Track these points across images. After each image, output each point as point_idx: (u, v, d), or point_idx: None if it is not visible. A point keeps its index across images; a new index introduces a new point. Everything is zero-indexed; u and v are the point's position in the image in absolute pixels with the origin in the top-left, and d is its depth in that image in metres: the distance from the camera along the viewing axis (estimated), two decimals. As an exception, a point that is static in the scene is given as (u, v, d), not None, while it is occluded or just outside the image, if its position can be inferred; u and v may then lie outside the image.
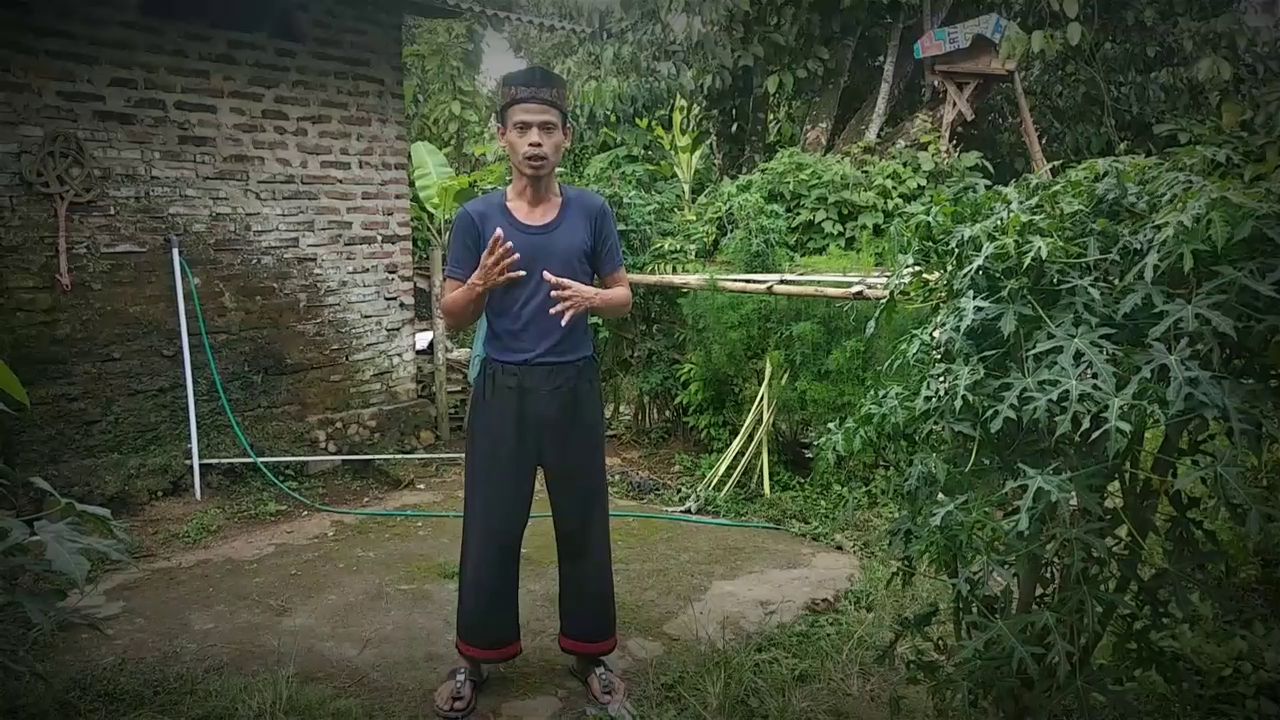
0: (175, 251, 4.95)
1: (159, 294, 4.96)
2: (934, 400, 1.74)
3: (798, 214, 6.74)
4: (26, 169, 4.45)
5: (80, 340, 4.70)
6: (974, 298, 1.68)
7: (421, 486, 5.40)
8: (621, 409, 6.85)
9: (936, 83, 8.07)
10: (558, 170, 2.90)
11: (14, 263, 4.47)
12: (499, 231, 2.57)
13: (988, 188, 1.99)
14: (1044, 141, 8.28)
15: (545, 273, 2.61)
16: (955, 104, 7.79)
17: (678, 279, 5.80)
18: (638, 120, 9.09)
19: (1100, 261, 1.63)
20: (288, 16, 5.45)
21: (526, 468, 2.86)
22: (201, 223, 5.13)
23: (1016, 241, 1.65)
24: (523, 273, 2.61)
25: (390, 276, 6.11)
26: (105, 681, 2.92)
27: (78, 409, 4.71)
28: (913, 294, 2.05)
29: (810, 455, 4.77)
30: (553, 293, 2.61)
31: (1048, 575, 1.89)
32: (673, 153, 10.29)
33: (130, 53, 4.78)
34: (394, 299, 6.15)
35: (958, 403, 1.62)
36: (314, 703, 2.78)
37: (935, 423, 1.77)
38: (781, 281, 5.08)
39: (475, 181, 7.82)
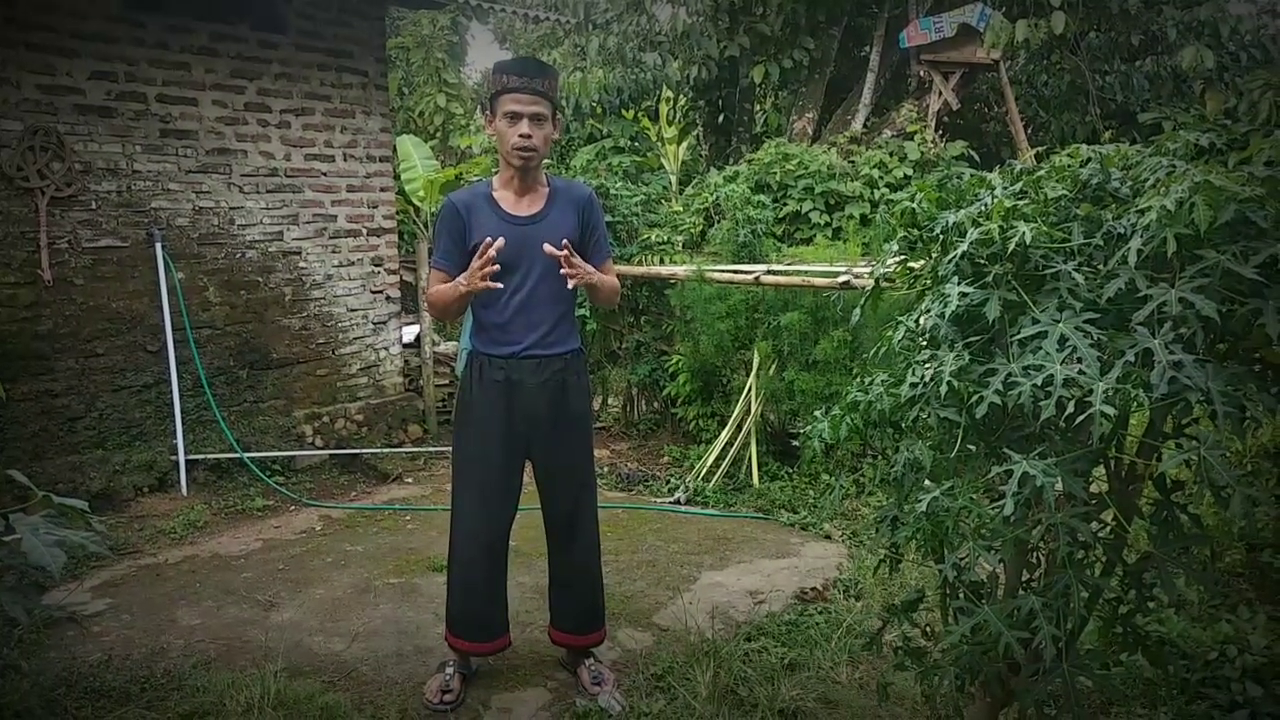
0: (158, 246, 4.91)
1: (142, 289, 4.92)
2: (919, 387, 1.74)
3: (784, 204, 6.73)
4: (6, 163, 4.40)
5: (63, 336, 4.66)
6: (959, 284, 1.67)
7: (409, 480, 5.38)
8: (610, 401, 6.84)
9: (922, 72, 8.07)
10: (544, 161, 2.88)
11: (-6, 258, 4.43)
12: (494, 239, 2.54)
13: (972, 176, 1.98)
14: (1029, 130, 8.29)
15: (546, 245, 2.57)
16: (941, 93, 7.79)
17: (665, 270, 5.79)
18: (624, 112, 9.06)
19: (1084, 246, 1.63)
20: (270, 8, 5.40)
21: (515, 460, 2.85)
22: (184, 217, 5.09)
23: (1001, 227, 1.64)
24: (500, 285, 2.57)
25: (376, 270, 6.08)
26: (92, 678, 2.90)
27: (61, 405, 4.67)
28: (898, 281, 2.04)
29: (798, 445, 4.77)
30: (560, 254, 2.56)
31: (1034, 560, 1.89)
32: (659, 144, 10.25)
33: (110, 45, 4.73)
34: (380, 292, 6.12)
35: (943, 389, 1.62)
36: (302, 697, 2.77)
37: (921, 409, 1.77)
38: (769, 272, 5.08)
39: (461, 174, 7.79)
